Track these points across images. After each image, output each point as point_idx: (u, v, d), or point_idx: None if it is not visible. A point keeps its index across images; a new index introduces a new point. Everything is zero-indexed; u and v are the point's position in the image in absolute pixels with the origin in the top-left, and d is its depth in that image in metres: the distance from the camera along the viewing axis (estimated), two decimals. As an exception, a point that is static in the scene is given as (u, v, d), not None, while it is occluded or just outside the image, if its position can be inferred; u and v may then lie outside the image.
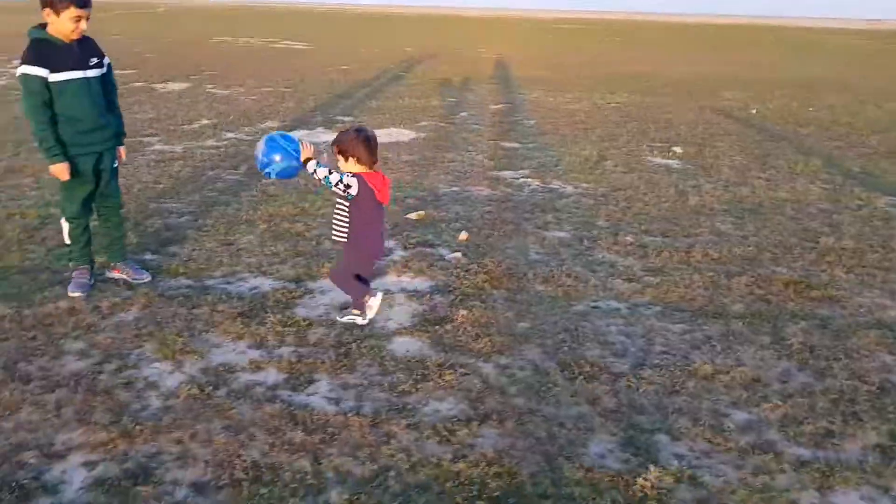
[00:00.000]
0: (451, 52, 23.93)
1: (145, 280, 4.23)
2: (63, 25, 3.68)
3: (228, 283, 4.32)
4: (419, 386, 3.21)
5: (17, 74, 3.82)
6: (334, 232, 3.71)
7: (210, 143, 8.25)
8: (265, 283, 4.31)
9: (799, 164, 8.02)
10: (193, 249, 4.81)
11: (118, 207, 4.31)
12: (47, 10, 3.67)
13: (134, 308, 3.89)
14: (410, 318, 3.93)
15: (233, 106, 10.79)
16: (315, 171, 3.57)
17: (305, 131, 9.10)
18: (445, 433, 2.87)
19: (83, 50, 3.82)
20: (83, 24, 3.71)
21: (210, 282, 4.31)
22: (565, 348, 3.64)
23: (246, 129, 9.16)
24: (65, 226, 4.15)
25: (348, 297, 3.89)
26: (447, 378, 3.28)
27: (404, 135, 9.12)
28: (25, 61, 3.68)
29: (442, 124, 9.96)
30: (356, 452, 2.74)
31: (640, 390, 3.26)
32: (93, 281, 4.13)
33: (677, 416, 3.07)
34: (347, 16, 65.84)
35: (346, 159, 3.60)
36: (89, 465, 2.62)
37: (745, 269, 4.83)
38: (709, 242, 5.35)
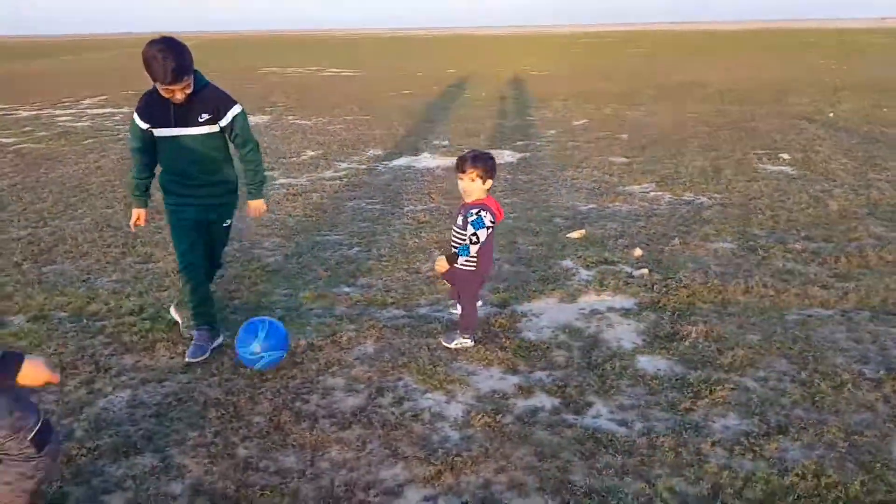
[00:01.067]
0: (495, 71, 24.16)
1: (218, 343, 3.90)
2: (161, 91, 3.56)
3: (438, 310, 4.42)
4: (698, 404, 3.27)
5: None
6: (464, 260, 3.74)
7: (329, 173, 8.42)
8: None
9: (911, 163, 8.01)
10: (386, 279, 4.93)
11: (212, 270, 4.15)
12: None
13: (369, 341, 4.00)
14: (638, 335, 3.99)
15: (327, 136, 11.01)
16: (469, 252, 3.68)
17: (410, 157, 9.28)
18: (755, 449, 2.92)
19: (193, 107, 3.62)
20: (178, 95, 3.54)
21: (422, 310, 4.42)
22: (809, 357, 3.68)
23: (355, 157, 9.34)
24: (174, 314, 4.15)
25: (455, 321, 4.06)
26: (719, 394, 3.33)
27: (509, 155, 9.24)
28: (136, 108, 3.71)
29: (538, 143, 10.08)
30: (682, 472, 2.80)
31: (911, 396, 3.30)
32: (215, 344, 3.87)
33: (964, 420, 3.10)
34: (369, 40, 66.60)
35: (485, 181, 3.68)
36: (429, 499, 2.70)
37: (928, 270, 4.84)
38: (874, 245, 5.36)
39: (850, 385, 3.39)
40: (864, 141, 9.64)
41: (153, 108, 3.64)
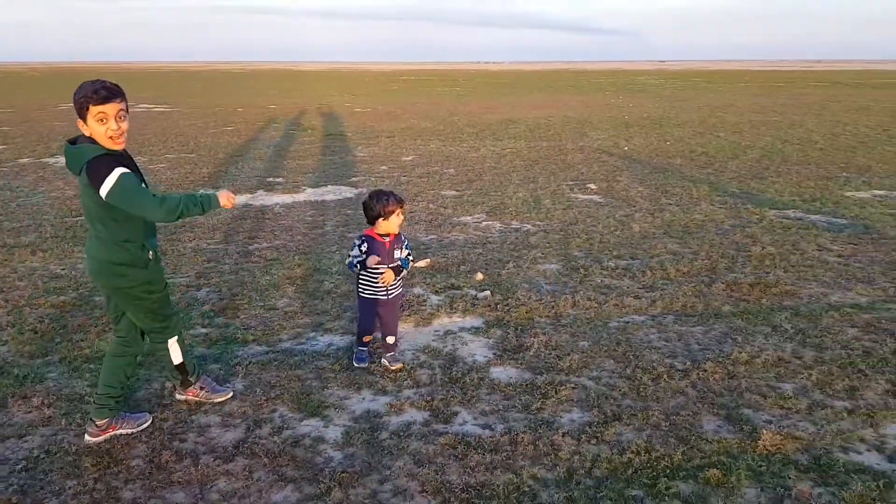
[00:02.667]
0: (318, 107, 24.35)
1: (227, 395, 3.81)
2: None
3: (301, 343, 4.55)
4: (546, 403, 3.74)
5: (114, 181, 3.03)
6: (395, 286, 4.16)
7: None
8: (336, 340, 4.60)
9: (693, 191, 9.48)
10: (243, 317, 4.94)
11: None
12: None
13: (237, 377, 4.03)
14: (489, 350, 4.43)
15: (150, 177, 10.50)
16: (408, 266, 4.23)
17: (246, 195, 9.20)
18: (597, 435, 3.42)
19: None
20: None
21: (285, 345, 4.51)
22: (631, 356, 4.33)
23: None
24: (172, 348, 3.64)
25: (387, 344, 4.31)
26: (563, 393, 3.83)
27: (346, 191, 9.51)
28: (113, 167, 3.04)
29: (372, 178, 10.46)
30: (541, 461, 3.21)
31: (710, 379, 4.03)
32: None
33: (749, 394, 3.86)
34: (177, 73, 63.42)
35: (399, 216, 4.08)
36: (323, 513, 2.86)
37: (713, 278, 5.85)
38: (672, 260, 6.35)
39: (665, 376, 4.06)
40: (655, 171, 11.19)
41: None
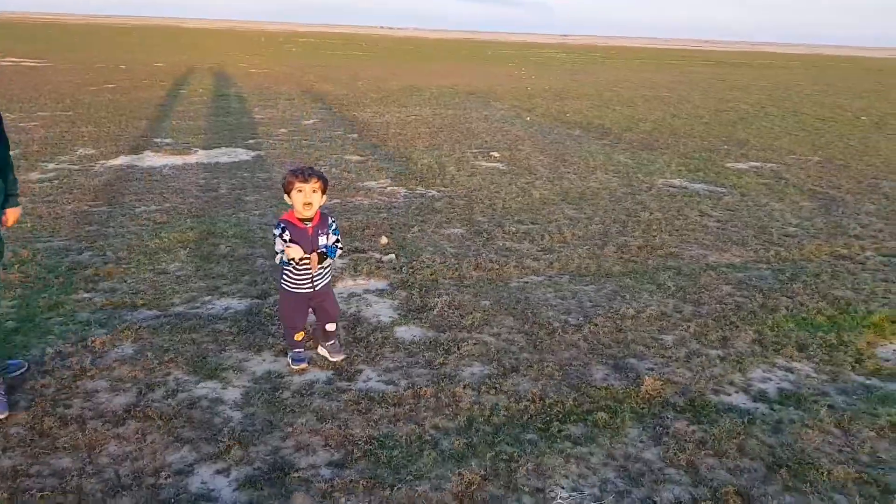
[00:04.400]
0: (211, 67, 23.24)
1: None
2: None
3: (196, 307, 4.40)
4: (449, 358, 3.82)
5: None
6: (321, 276, 3.64)
7: (35, 175, 7.57)
8: (234, 303, 4.49)
9: (589, 160, 9.84)
10: (131, 282, 4.72)
11: None
12: None
13: (126, 342, 3.86)
14: (394, 311, 4.46)
15: (23, 134, 9.72)
16: (335, 255, 3.62)
17: (131, 156, 8.70)
18: (495, 386, 3.55)
19: None
20: None
21: (178, 309, 4.35)
22: (529, 313, 4.50)
23: (63, 158, 8.49)
24: None
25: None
26: (465, 349, 3.93)
27: (243, 154, 9.19)
28: None
29: (271, 141, 10.15)
30: (443, 412, 3.29)
31: (600, 333, 4.25)
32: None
33: (634, 345, 4.11)
34: (44, 27, 58.55)
35: (323, 196, 3.55)
36: (223, 471, 2.82)
37: (605, 241, 6.14)
38: (569, 224, 6.60)
39: (559, 331, 4.25)
40: (555, 141, 11.51)
41: None
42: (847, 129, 14.15)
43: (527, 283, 5.08)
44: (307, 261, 3.51)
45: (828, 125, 14.81)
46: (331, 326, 3.78)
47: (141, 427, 3.06)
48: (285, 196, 3.51)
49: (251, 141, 10.16)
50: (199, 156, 9.10)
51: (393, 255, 5.43)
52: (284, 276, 3.63)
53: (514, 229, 6.35)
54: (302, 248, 3.46)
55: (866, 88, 26.27)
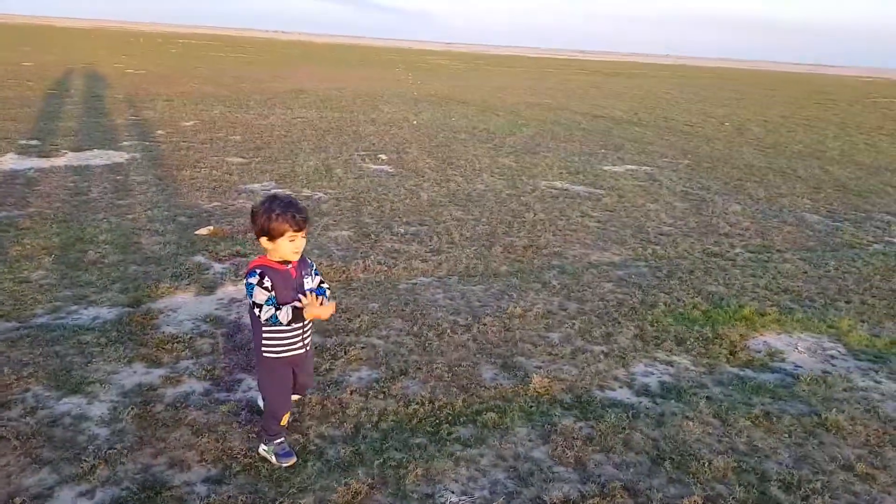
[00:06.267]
0: (85, 66, 21.70)
1: None
2: None
3: (61, 318, 4.05)
4: (336, 364, 3.73)
5: None
6: (308, 328, 2.95)
7: None
8: (103, 312, 4.16)
9: (475, 163, 10.00)
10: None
11: None
12: None
13: (-25, 359, 3.48)
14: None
15: None
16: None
17: (-13, 159, 7.92)
18: (384, 390, 3.50)
19: None
20: None
21: (40, 320, 3.98)
22: (418, 315, 4.48)
23: None
24: None
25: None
26: (352, 353, 3.85)
27: (117, 156, 8.60)
28: None
29: (147, 143, 9.57)
30: (328, 420, 3.20)
31: (489, 332, 4.30)
32: None
33: (521, 344, 4.19)
34: None
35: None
36: (87, 493, 2.59)
37: (492, 242, 6.25)
38: (457, 226, 6.66)
39: (448, 331, 4.26)
40: (442, 144, 11.61)
41: None
42: (713, 134, 15.27)
43: (415, 284, 5.07)
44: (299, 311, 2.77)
45: (695, 130, 15.91)
46: (295, 396, 3.14)
47: (-10, 452, 2.76)
48: (262, 239, 2.75)
49: (127, 143, 9.54)
50: (69, 158, 8.43)
51: (278, 260, 5.24)
52: (267, 340, 2.83)
53: (402, 231, 6.33)
54: (286, 295, 2.77)
55: (728, 97, 28.47)
